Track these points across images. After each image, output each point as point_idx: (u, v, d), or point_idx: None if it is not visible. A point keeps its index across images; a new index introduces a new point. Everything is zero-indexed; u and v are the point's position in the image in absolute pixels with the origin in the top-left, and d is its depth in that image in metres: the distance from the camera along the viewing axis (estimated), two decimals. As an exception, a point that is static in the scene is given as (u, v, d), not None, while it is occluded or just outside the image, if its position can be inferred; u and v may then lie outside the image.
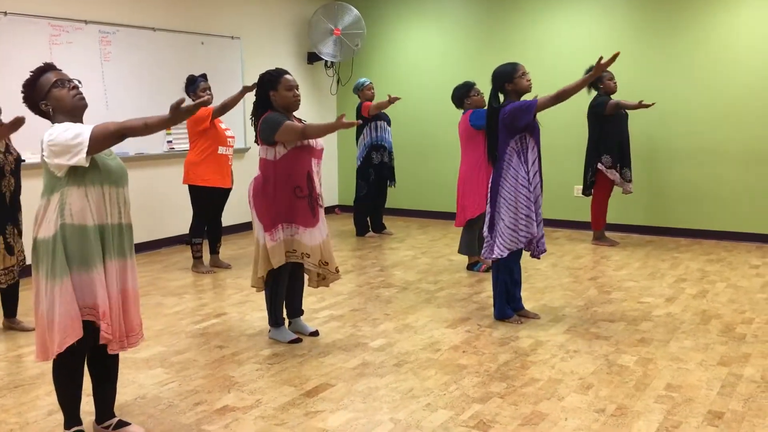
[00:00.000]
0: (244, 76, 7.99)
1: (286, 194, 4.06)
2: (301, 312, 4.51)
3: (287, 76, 4.12)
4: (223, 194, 6.17)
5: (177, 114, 2.66)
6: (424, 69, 8.92)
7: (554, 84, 6.83)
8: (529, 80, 4.46)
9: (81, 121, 2.85)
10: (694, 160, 7.42)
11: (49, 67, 2.89)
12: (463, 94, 5.99)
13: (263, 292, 4.31)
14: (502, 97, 4.49)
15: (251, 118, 4.26)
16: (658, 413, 3.25)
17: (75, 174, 2.74)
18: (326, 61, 9.00)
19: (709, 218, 7.41)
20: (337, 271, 4.30)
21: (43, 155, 2.76)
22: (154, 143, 7.09)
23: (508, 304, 4.67)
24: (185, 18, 7.36)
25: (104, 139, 2.69)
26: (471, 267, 6.10)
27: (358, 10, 8.71)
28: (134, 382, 3.69)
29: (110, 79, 6.61)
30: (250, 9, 8.19)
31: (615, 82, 6.89)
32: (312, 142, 4.10)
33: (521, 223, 4.41)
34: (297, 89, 4.13)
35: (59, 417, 3.24)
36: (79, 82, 2.92)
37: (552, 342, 4.25)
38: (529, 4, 8.14)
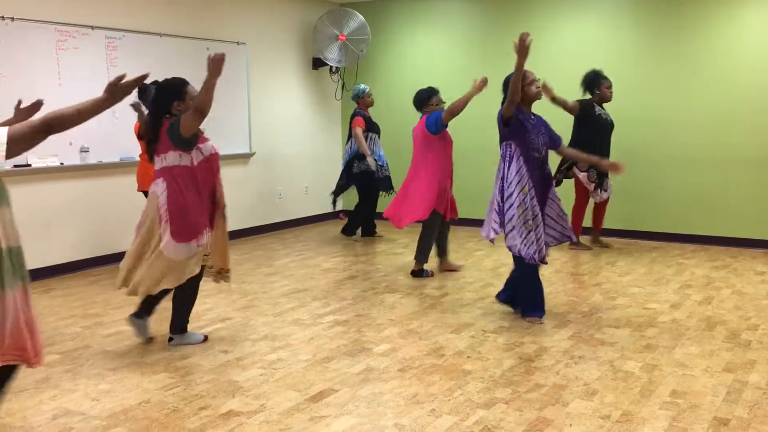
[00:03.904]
0: (249, 81, 8.02)
1: (206, 197, 4.12)
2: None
3: (191, 87, 4.09)
4: None
5: (115, 92, 2.45)
6: (429, 74, 8.91)
7: (559, 89, 6.88)
8: (538, 87, 4.49)
9: None
10: (699, 166, 7.41)
11: None
12: (423, 100, 5.99)
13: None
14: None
15: (145, 132, 4.23)
16: (664, 420, 3.25)
17: None
18: (331, 67, 9.02)
19: (715, 224, 7.39)
20: (224, 272, 4.39)
21: None
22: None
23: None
24: (191, 24, 7.39)
25: (24, 136, 2.42)
26: (416, 274, 6.08)
27: (363, 16, 8.73)
28: (139, 386, 3.70)
29: (116, 84, 6.63)
30: (256, 15, 8.21)
31: (611, 92, 6.82)
32: (215, 149, 4.15)
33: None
34: None
35: (64, 421, 3.26)
36: None
37: (556, 348, 4.24)
38: (534, 11, 8.15)
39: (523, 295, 4.80)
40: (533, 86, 4.47)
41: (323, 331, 4.61)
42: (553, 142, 4.71)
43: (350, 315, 4.99)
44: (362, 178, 7.60)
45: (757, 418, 3.26)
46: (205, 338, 4.42)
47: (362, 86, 7.67)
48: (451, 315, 4.95)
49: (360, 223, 7.91)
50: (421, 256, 6.05)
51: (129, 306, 5.25)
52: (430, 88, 6.03)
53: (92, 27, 6.42)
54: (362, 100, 7.60)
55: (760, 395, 3.52)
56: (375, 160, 7.49)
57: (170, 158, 4.02)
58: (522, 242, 4.53)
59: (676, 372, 3.84)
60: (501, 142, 4.59)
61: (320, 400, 3.50)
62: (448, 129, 5.92)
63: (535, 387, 3.64)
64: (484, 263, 6.64)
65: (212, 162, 4.14)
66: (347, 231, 7.97)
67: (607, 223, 7.24)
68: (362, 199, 7.79)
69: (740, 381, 3.70)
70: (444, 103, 5.97)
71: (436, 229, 6.01)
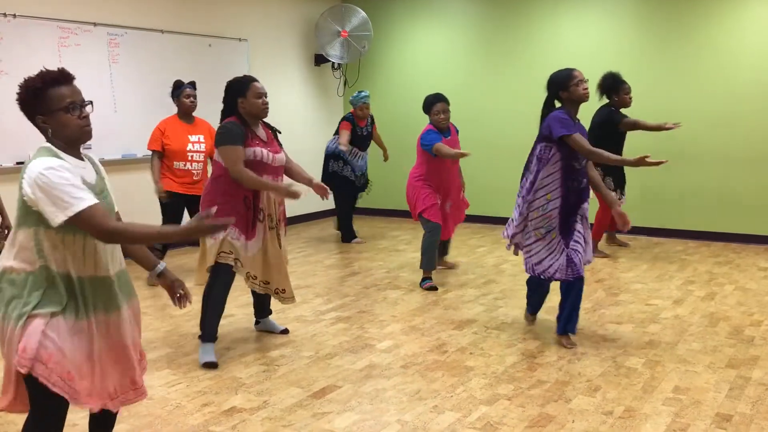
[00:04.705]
0: (251, 78, 8.01)
1: (237, 200, 4.01)
2: (270, 312, 4.55)
3: (256, 83, 4.08)
4: (185, 200, 5.94)
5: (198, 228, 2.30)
6: (430, 71, 8.92)
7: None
8: (586, 89, 4.11)
9: (78, 150, 2.38)
10: (701, 163, 7.40)
11: (63, 78, 2.30)
12: (426, 107, 5.56)
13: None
14: (558, 104, 4.19)
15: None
16: (666, 416, 3.25)
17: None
18: (333, 63, 9.01)
19: (717, 220, 7.38)
20: (279, 292, 4.22)
21: (23, 182, 2.24)
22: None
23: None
24: (193, 20, 7.38)
25: (89, 227, 2.22)
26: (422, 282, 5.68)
27: (366, 12, 8.71)
28: (142, 383, 3.71)
29: (118, 81, 6.64)
30: (258, 11, 8.21)
31: (631, 97, 6.50)
32: (267, 157, 4.04)
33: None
34: (266, 96, 4.07)
35: (67, 417, 3.26)
36: (91, 104, 2.38)
37: (559, 344, 4.24)
38: (536, 8, 8.14)
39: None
40: (580, 87, 4.08)
41: (325, 327, 4.61)
42: None
43: (352, 312, 4.99)
44: (333, 179, 7.35)
45: (760, 414, 3.26)
46: (285, 331, 4.51)
47: (363, 94, 7.24)
48: (453, 311, 4.95)
49: (348, 223, 7.63)
50: (421, 264, 5.69)
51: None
52: (436, 94, 5.54)
53: (94, 24, 6.41)
54: (356, 109, 7.22)
55: (762, 391, 3.52)
56: (348, 165, 7.35)
57: (216, 153, 4.13)
58: (528, 250, 4.26)
59: (678, 368, 3.84)
60: (539, 141, 4.17)
61: (323, 397, 3.50)
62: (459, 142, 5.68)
63: (538, 383, 3.64)
64: (486, 260, 6.64)
65: (252, 168, 3.99)
66: (344, 239, 7.66)
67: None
68: (336, 200, 7.57)
69: (743, 377, 3.70)
70: (447, 113, 5.50)
71: (434, 236, 5.59)
